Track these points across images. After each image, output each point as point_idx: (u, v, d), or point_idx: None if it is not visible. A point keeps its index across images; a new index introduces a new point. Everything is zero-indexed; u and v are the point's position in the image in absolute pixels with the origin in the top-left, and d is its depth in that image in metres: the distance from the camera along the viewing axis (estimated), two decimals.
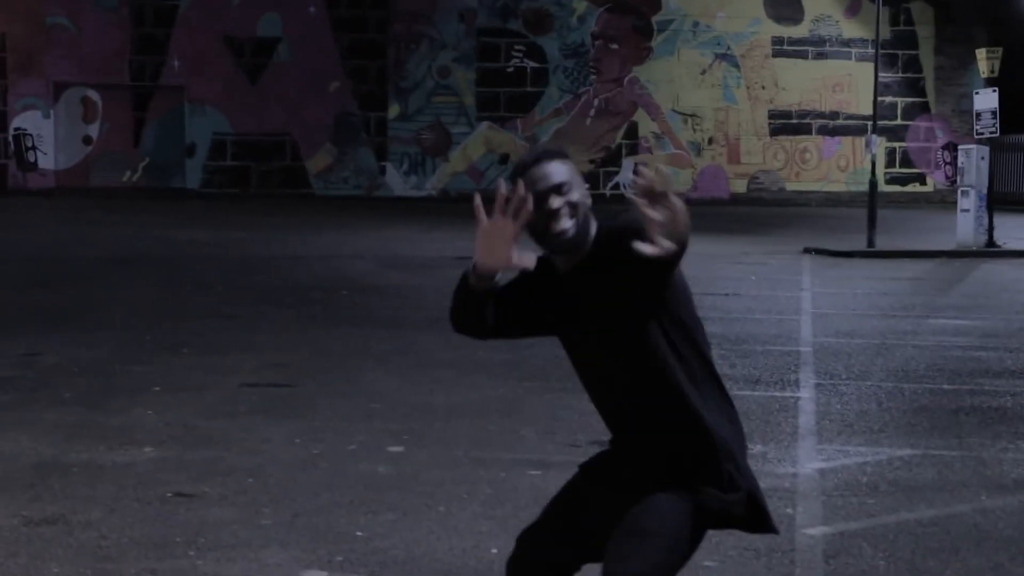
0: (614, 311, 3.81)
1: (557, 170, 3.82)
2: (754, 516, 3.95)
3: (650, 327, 3.83)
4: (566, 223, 3.79)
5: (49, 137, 36.42)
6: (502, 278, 3.88)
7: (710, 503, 3.86)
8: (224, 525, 6.57)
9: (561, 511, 4.02)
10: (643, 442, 3.92)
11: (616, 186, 39.12)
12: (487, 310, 3.86)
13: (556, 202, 3.78)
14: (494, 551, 6.17)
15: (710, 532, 6.33)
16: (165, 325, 13.53)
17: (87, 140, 37.20)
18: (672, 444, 3.88)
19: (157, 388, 10.16)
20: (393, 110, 39.09)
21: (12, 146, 35.94)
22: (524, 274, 3.94)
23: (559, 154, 3.89)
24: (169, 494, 7.16)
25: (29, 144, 36.12)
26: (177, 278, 17.85)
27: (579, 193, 3.83)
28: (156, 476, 7.53)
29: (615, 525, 3.80)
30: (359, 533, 6.45)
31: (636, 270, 3.63)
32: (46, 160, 36.50)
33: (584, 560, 4.00)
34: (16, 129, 36.12)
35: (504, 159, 39.21)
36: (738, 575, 5.97)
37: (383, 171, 39.05)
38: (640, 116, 39.77)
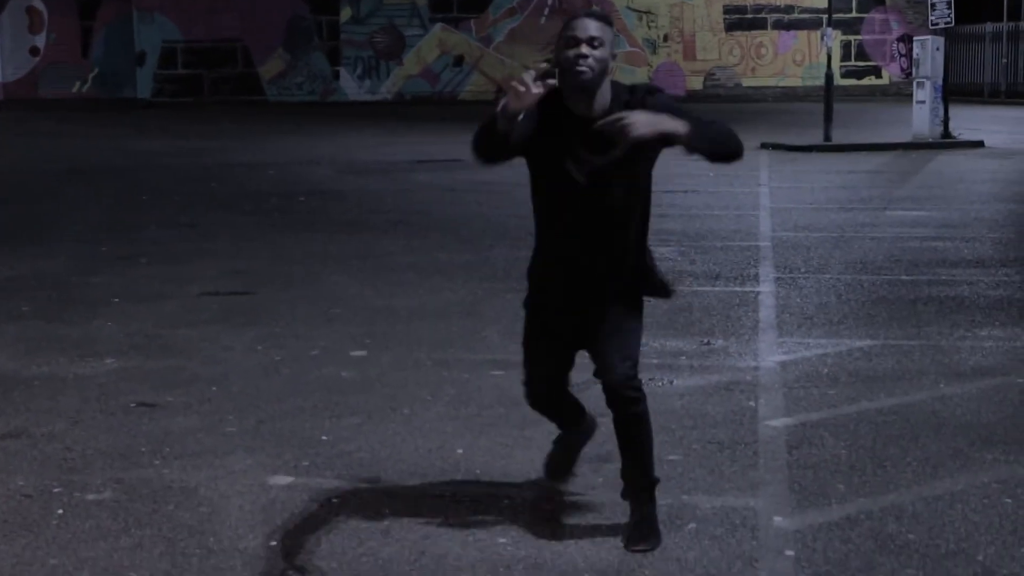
0: (622, 156, 4.69)
1: (594, 27, 4.72)
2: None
3: (642, 172, 4.88)
4: (586, 68, 4.66)
5: None
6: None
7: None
8: (189, 433, 6.57)
9: (545, 347, 5.10)
10: (593, 263, 4.90)
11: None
12: (506, 142, 4.65)
13: (584, 49, 4.66)
14: (459, 451, 6.20)
15: (674, 426, 6.37)
16: (122, 236, 13.44)
17: (34, 51, 36.67)
18: (619, 266, 4.93)
19: (116, 299, 10.10)
20: (345, 13, 38.66)
21: None
22: (536, 109, 4.68)
23: (603, 17, 4.84)
24: (133, 404, 7.14)
25: None
26: (132, 188, 17.70)
27: (604, 52, 4.69)
28: (119, 387, 7.50)
29: (594, 328, 4.92)
30: (324, 438, 6.46)
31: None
32: None
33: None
34: None
35: (459, 60, 38.93)
36: (702, 467, 6.02)
37: (337, 76, 38.73)
38: None
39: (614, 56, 4.80)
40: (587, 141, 4.70)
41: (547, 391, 5.20)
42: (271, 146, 24.27)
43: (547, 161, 4.82)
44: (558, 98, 4.74)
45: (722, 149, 4.74)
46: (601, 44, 4.68)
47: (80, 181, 18.55)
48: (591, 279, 4.92)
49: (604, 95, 4.74)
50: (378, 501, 5.49)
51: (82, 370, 7.91)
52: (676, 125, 4.54)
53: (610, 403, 4.89)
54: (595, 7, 39.32)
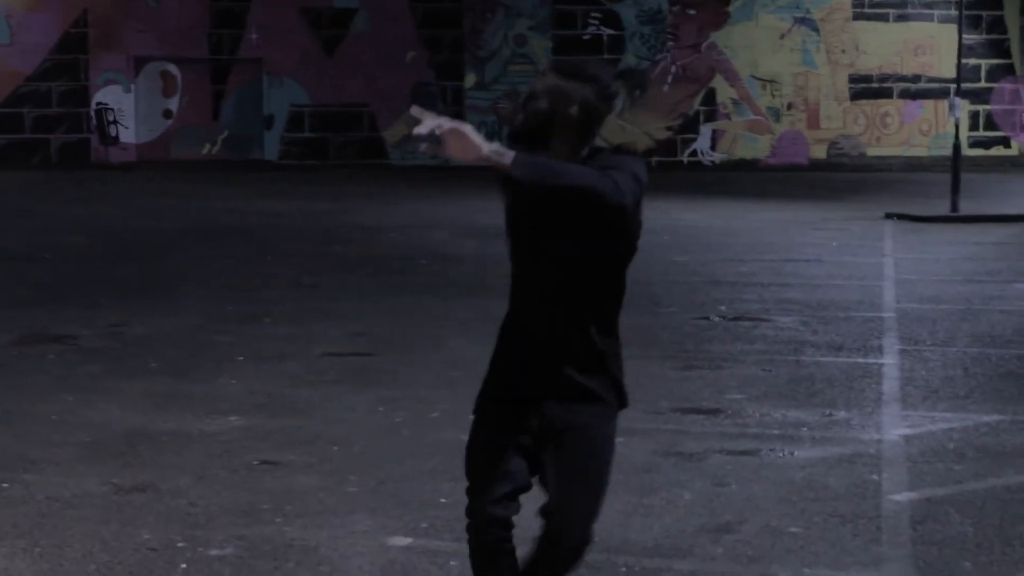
0: (581, 228, 4.11)
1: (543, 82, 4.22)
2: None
3: (613, 251, 4.20)
4: (519, 120, 4.25)
5: (130, 111, 36.78)
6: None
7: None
8: (310, 492, 6.64)
9: (493, 457, 4.30)
10: (558, 353, 4.20)
11: (694, 153, 38.87)
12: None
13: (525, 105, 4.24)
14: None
15: (795, 499, 6.29)
16: (247, 295, 13.66)
17: (167, 114, 37.55)
18: (585, 363, 4.22)
19: (241, 357, 10.27)
20: (469, 79, 39.11)
21: (94, 120, 36.35)
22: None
23: (565, 72, 4.25)
24: (255, 462, 7.24)
25: (111, 118, 36.50)
26: (258, 249, 18.00)
27: (546, 104, 4.16)
28: (242, 444, 7.62)
29: (555, 452, 4.20)
30: (443, 500, 6.48)
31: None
32: (127, 134, 36.89)
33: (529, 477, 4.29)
34: (98, 104, 36.52)
35: None
36: (824, 541, 5.93)
37: None
38: (718, 82, 39.47)
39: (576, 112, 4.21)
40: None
41: (498, 513, 4.26)
42: (392, 209, 24.55)
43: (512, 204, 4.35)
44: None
45: (567, 180, 3.98)
46: (541, 97, 4.20)
47: (208, 241, 18.92)
48: (545, 352, 4.22)
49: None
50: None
51: (207, 427, 8.05)
52: (496, 154, 3.94)
53: (549, 547, 4.25)
54: (718, 73, 39.40)
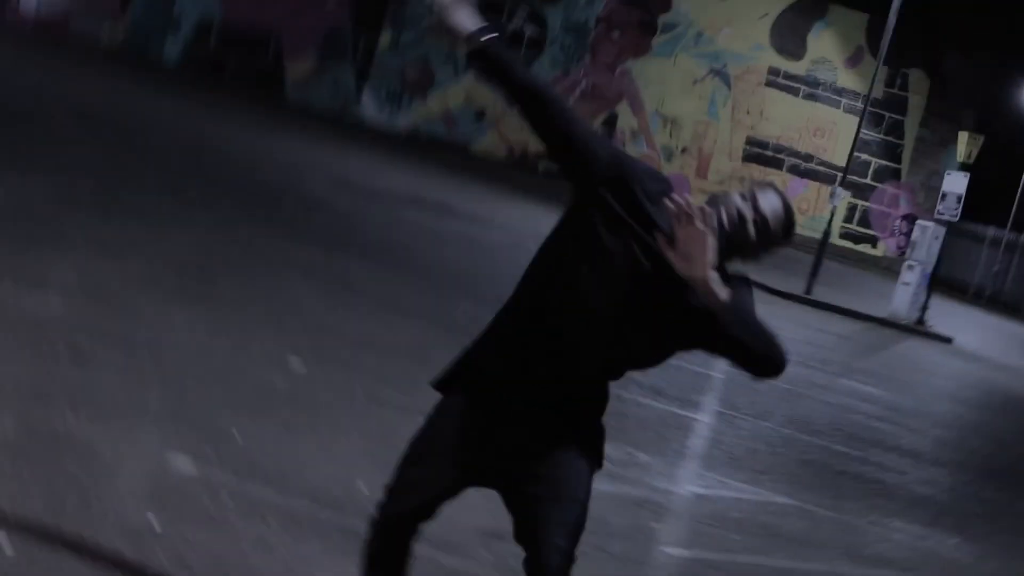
0: (669, 313, 3.78)
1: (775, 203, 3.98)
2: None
3: (664, 329, 3.83)
4: (745, 229, 3.90)
5: None
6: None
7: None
8: (108, 392, 6.56)
9: (442, 467, 4.02)
10: (557, 394, 3.89)
11: None
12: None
13: (751, 213, 3.91)
14: (362, 487, 6.21)
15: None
16: (108, 186, 13.43)
17: None
18: (580, 409, 3.98)
19: (82, 242, 10.09)
20: (385, 37, 38.87)
21: None
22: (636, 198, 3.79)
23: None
24: (63, 346, 7.13)
25: None
26: (135, 145, 17.69)
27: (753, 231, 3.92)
28: (56, 327, 7.49)
29: (535, 475, 3.93)
30: (237, 435, 6.46)
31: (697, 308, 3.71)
32: (28, 2, 36.04)
33: (459, 489, 4.08)
34: None
35: (480, 115, 39.11)
36: (586, 571, 6.04)
37: (360, 94, 38.85)
38: (623, 109, 39.84)
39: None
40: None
41: (408, 517, 4.09)
42: (278, 144, 24.31)
43: (609, 239, 3.77)
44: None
45: (759, 346, 3.84)
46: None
47: (85, 123, 18.52)
48: (543, 394, 3.89)
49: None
50: (267, 511, 5.50)
51: (25, 302, 7.89)
52: (720, 289, 3.67)
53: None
54: (626, 100, 39.70)
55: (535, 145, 39.25)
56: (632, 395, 10.38)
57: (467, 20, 3.75)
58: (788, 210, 4.01)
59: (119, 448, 5.76)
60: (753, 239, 3.90)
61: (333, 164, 23.52)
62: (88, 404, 6.28)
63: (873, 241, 41.56)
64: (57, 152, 14.73)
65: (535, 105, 3.74)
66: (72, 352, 7.11)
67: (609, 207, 3.76)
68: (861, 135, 28.70)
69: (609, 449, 8.49)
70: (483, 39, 3.73)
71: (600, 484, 7.52)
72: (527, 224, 22.51)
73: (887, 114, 40.89)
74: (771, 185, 4.09)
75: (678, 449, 9.21)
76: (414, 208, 20.37)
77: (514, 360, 3.87)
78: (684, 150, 40.53)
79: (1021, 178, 41.22)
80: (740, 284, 3.85)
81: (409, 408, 7.98)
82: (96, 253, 9.93)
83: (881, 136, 41.05)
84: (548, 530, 3.92)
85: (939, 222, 26.13)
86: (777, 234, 3.96)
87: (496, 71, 3.76)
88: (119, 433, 5.97)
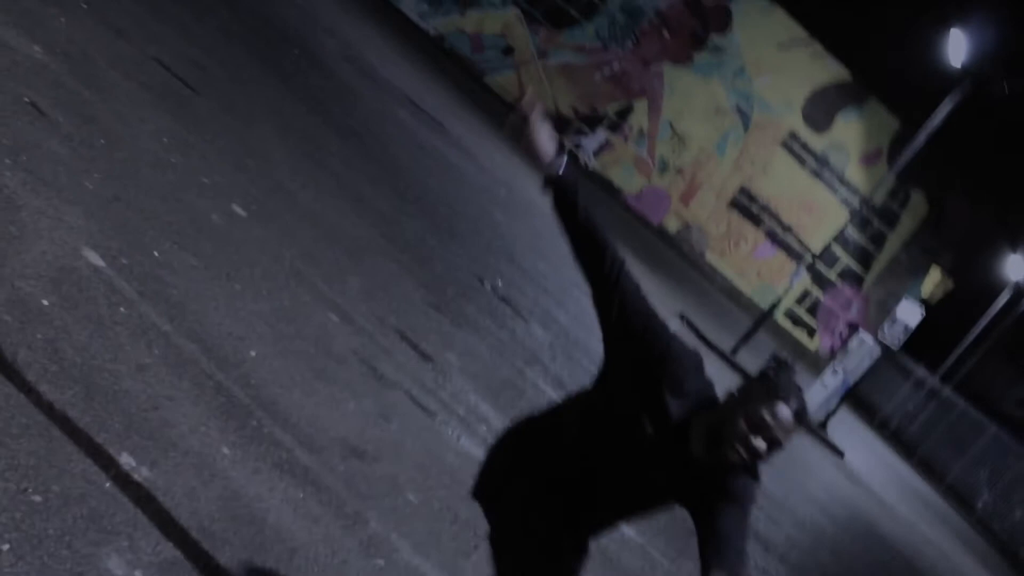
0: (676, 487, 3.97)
1: (790, 428, 3.86)
2: None
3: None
4: (739, 458, 3.82)
5: None
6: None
7: None
8: (53, 159, 6.43)
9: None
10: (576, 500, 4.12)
11: (577, 145, 39.02)
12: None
13: (762, 447, 3.83)
14: (253, 354, 6.14)
15: (434, 474, 6.35)
16: None
17: None
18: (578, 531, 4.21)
19: (87, 4, 9.88)
20: None
21: None
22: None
23: (804, 411, 3.91)
24: (26, 100, 6.97)
25: None
26: None
27: (770, 453, 3.88)
28: (28, 75, 7.33)
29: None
30: (156, 253, 6.36)
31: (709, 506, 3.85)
32: None
33: None
34: None
35: (508, 51, 38.87)
36: (422, 524, 6.02)
37: None
38: (640, 106, 39.75)
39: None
40: (670, 461, 3.96)
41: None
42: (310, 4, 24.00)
43: (628, 403, 3.96)
44: (701, 403, 3.98)
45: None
46: (779, 446, 3.88)
47: None
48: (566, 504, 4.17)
49: None
50: (155, 339, 5.41)
51: (8, 39, 7.71)
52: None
53: None
54: (646, 99, 39.64)
55: (545, 103, 38.87)
56: (535, 376, 10.35)
57: (547, 144, 3.89)
58: (799, 415, 3.91)
59: (40, 218, 5.64)
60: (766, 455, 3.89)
61: (352, 34, 23.25)
62: (28, 162, 6.15)
63: (811, 332, 41.83)
64: None
65: (591, 249, 3.93)
66: (32, 108, 6.95)
67: (627, 361, 3.91)
68: (845, 232, 28.83)
69: (495, 416, 8.49)
70: (560, 172, 3.90)
71: (469, 444, 7.52)
72: (505, 171, 22.42)
73: (876, 221, 41.13)
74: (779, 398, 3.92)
75: None
76: (410, 111, 20.19)
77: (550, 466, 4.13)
78: (680, 170, 40.55)
79: (967, 335, 41.67)
80: (734, 507, 3.86)
81: (325, 297, 7.92)
82: (96, 23, 9.72)
83: (862, 239, 41.29)
84: None
85: (880, 343, 26.34)
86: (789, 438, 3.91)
87: (565, 205, 3.93)
88: (46, 203, 5.84)
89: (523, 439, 4.26)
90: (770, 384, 3.89)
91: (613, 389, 3.98)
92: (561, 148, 3.95)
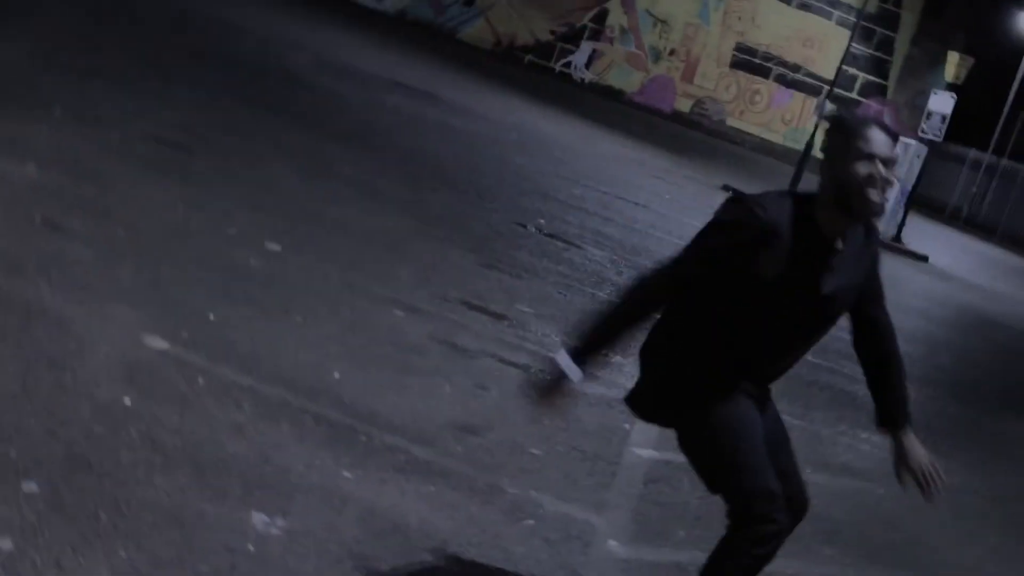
0: (857, 285, 4.38)
1: (892, 146, 4.05)
2: None
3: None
4: (880, 197, 3.99)
5: None
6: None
7: None
8: (81, 265, 6.48)
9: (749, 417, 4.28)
10: (768, 373, 4.37)
11: (568, 65, 38.78)
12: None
13: (886, 173, 3.99)
14: (336, 375, 6.18)
15: (547, 423, 6.38)
16: (87, 48, 13.20)
17: None
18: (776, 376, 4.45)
19: (60, 108, 9.93)
20: None
21: None
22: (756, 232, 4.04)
23: (896, 134, 4.14)
24: (39, 218, 7.03)
25: None
26: (119, 10, 17.38)
27: (895, 176, 4.06)
28: (30, 196, 7.38)
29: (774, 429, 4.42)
30: (212, 317, 6.40)
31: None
32: None
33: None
34: None
35: (469, 2, 38.63)
36: (558, 471, 6.05)
37: None
38: (613, 6, 39.43)
39: None
40: (828, 264, 4.14)
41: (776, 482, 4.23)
42: (261, 16, 23.96)
43: (780, 284, 4.06)
44: (803, 210, 4.07)
45: None
46: (896, 167, 4.08)
47: None
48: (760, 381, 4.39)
49: None
50: (242, 396, 5.46)
51: (1, 168, 7.77)
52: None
53: (793, 514, 4.47)
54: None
55: (522, 37, 38.84)
56: (608, 295, 10.34)
57: (569, 372, 4.13)
58: (888, 130, 4.12)
59: (92, 326, 5.69)
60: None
61: (317, 40, 23.22)
62: (62, 277, 6.20)
63: None
64: (37, 19, 14.44)
65: (668, 296, 4.30)
66: (47, 222, 7.00)
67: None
68: (851, 50, 28.52)
69: None
70: (583, 375, 4.16)
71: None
72: (508, 116, 22.33)
73: (878, 29, 40.63)
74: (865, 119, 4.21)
75: None
76: (398, 94, 20.16)
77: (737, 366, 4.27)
78: (672, 52, 40.21)
79: (1005, 103, 41.13)
80: (878, 253, 4.53)
81: (383, 297, 7.94)
82: (74, 122, 9.77)
83: (870, 51, 40.82)
84: (797, 464, 4.51)
85: (922, 140, 26.07)
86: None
87: (612, 339, 4.34)
88: (92, 308, 5.89)
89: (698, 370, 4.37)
90: (846, 123, 4.07)
91: (753, 291, 4.09)
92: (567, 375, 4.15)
